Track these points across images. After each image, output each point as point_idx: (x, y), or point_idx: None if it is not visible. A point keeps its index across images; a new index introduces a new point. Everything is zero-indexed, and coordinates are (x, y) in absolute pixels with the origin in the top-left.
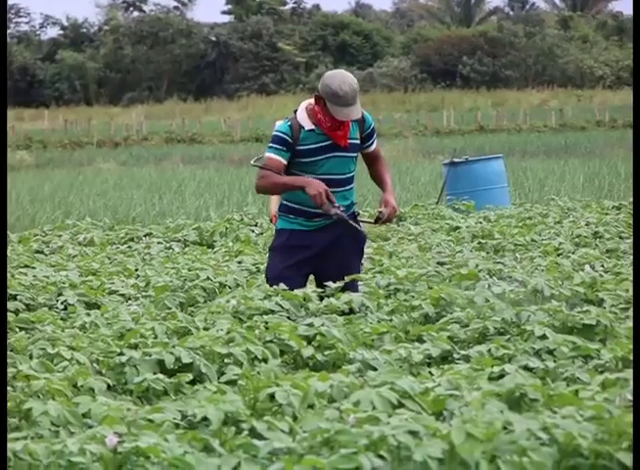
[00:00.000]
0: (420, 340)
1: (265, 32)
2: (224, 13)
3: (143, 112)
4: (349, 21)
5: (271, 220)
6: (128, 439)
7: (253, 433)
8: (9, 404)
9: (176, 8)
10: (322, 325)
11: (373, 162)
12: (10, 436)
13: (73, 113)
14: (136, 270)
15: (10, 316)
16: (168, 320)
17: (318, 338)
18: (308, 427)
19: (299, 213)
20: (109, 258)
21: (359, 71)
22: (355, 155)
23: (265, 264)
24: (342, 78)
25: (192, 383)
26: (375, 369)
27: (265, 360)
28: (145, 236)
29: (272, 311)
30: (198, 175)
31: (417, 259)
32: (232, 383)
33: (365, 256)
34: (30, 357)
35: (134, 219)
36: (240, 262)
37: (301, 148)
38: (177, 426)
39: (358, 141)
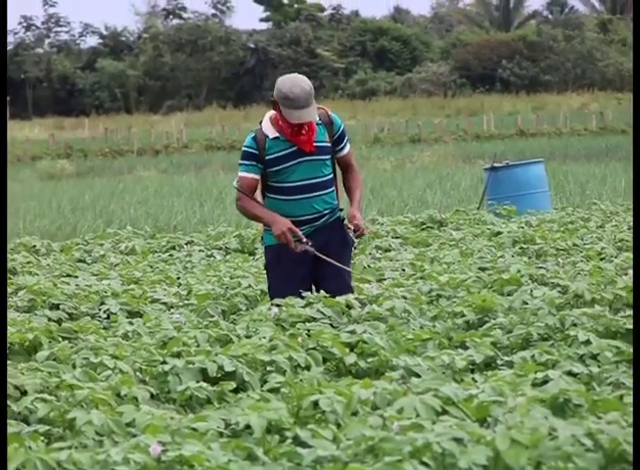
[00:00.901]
0: (463, 346)
1: (304, 39)
2: (262, 20)
3: (183, 119)
4: (388, 26)
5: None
6: (172, 447)
7: (297, 441)
8: (53, 414)
9: (215, 15)
10: (364, 332)
11: (345, 171)
12: (54, 445)
13: (114, 121)
14: (178, 278)
15: (53, 326)
16: (210, 328)
17: (361, 345)
18: (352, 434)
19: None
20: (150, 267)
21: (399, 77)
22: (327, 157)
23: (267, 285)
24: (293, 81)
25: (235, 391)
26: (418, 376)
27: (308, 368)
28: (186, 244)
29: (314, 319)
30: None
31: (458, 265)
32: (275, 391)
33: (407, 261)
34: (74, 367)
35: (175, 227)
36: None
37: (269, 157)
38: (221, 434)
39: (328, 144)
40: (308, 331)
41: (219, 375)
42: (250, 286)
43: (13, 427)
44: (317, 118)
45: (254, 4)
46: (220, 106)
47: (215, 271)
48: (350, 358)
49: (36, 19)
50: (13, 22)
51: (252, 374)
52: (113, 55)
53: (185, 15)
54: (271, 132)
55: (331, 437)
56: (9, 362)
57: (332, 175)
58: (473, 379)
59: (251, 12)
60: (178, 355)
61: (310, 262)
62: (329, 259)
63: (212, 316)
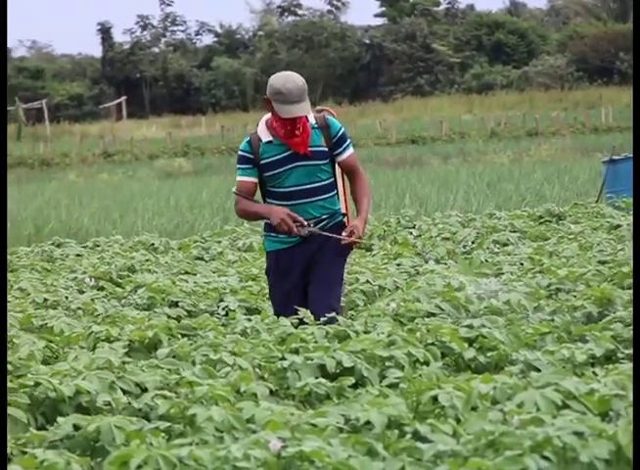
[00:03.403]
0: (583, 340)
1: (419, 34)
2: (377, 15)
3: None
4: (504, 19)
5: None
6: (292, 443)
7: (417, 436)
8: (173, 411)
9: (330, 12)
10: (483, 327)
11: (350, 177)
12: (175, 442)
13: (230, 119)
14: None
15: (172, 323)
16: (328, 324)
17: (480, 339)
18: (472, 429)
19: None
20: None
21: (515, 70)
22: (323, 162)
23: (268, 288)
24: (286, 77)
25: (354, 386)
26: (538, 370)
27: (427, 363)
28: None
29: (433, 314)
30: None
31: (578, 259)
32: (394, 386)
33: (525, 255)
34: (193, 364)
35: None
36: (399, 265)
37: (263, 162)
38: (340, 430)
39: (324, 148)
40: (427, 326)
41: (338, 371)
42: (367, 281)
43: (134, 424)
44: (314, 121)
45: None
46: (336, 102)
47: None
48: (469, 353)
49: (153, 18)
50: (130, 21)
51: (371, 369)
52: (228, 53)
53: (300, 11)
54: (265, 136)
55: (451, 431)
56: (130, 360)
57: (331, 180)
58: (593, 373)
59: (366, 7)
60: (297, 352)
61: (303, 266)
62: (333, 235)
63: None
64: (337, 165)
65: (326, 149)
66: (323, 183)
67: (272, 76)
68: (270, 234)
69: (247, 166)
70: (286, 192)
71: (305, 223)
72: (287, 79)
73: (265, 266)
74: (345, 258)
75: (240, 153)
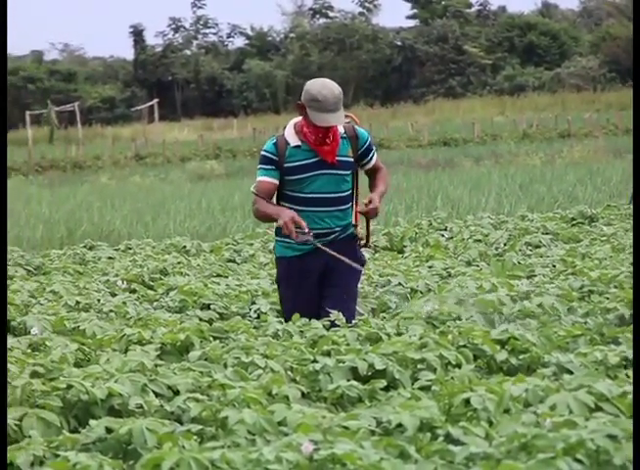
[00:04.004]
0: (616, 342)
1: (451, 35)
2: (409, 17)
3: None
4: (536, 21)
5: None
6: (324, 446)
7: (449, 438)
8: (205, 413)
9: (361, 14)
10: (516, 329)
11: (372, 174)
12: (207, 445)
13: (262, 121)
14: None
15: (204, 326)
16: (360, 327)
17: (512, 342)
18: (505, 432)
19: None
20: None
21: (547, 72)
22: (347, 173)
23: (278, 297)
24: (322, 84)
25: (386, 389)
26: (570, 372)
27: (459, 365)
28: None
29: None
30: None
31: (610, 261)
32: (426, 389)
33: (557, 257)
34: (225, 366)
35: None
36: (430, 267)
37: (287, 165)
38: (372, 433)
39: (350, 159)
40: (459, 328)
41: (370, 373)
42: (399, 284)
43: (166, 426)
44: (343, 130)
45: (401, 1)
46: (368, 104)
47: (364, 269)
48: (501, 355)
49: (185, 20)
50: (162, 24)
51: (403, 372)
52: (260, 55)
53: (331, 14)
54: (293, 140)
55: (483, 434)
56: (162, 362)
57: (350, 192)
58: (626, 375)
59: (398, 9)
60: (328, 354)
61: (317, 276)
62: (339, 256)
63: (362, 314)
64: (358, 177)
65: (351, 160)
66: (344, 194)
67: (308, 82)
68: (284, 239)
69: (269, 167)
70: (306, 198)
71: (306, 231)
72: (323, 86)
73: (276, 275)
74: (360, 273)
75: (263, 153)
